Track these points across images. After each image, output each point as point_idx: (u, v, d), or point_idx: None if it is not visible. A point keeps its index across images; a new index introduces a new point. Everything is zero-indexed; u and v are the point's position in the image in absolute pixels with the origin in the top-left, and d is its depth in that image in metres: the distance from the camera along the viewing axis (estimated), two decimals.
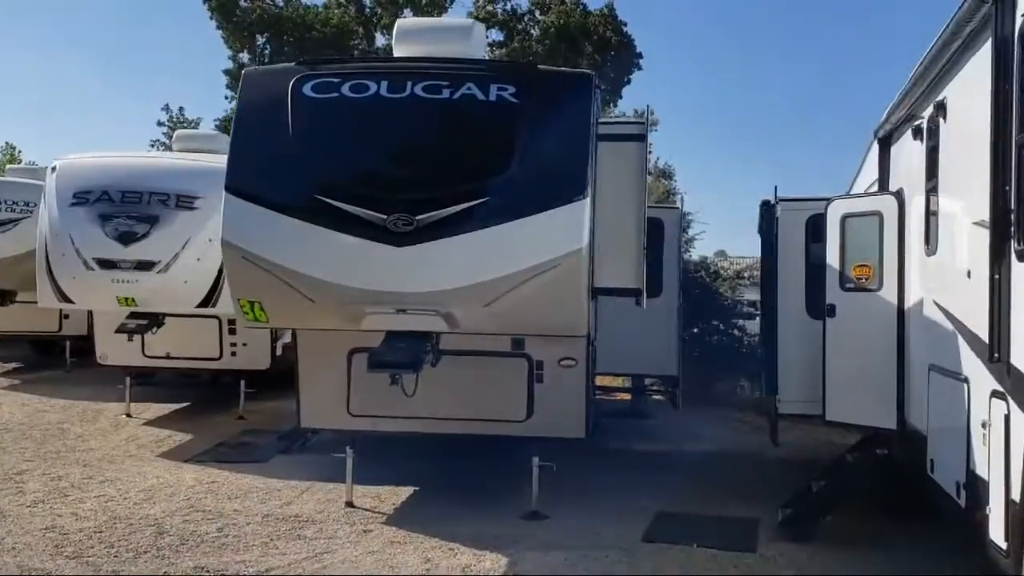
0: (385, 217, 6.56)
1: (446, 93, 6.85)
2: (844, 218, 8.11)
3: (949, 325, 5.91)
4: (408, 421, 8.43)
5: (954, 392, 5.70)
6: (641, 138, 7.77)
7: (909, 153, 7.34)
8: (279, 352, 14.26)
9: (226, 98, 30.47)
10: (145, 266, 11.52)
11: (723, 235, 66.13)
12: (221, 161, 13.30)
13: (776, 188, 9.09)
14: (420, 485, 9.46)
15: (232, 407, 14.39)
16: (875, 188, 9.15)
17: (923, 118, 6.89)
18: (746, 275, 20.71)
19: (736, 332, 17.17)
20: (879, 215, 7.81)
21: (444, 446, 10.35)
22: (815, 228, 8.90)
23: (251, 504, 8.71)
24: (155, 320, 12.33)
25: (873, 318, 7.82)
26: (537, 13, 31.86)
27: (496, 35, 32.17)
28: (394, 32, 7.73)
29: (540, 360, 8.26)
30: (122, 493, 9.01)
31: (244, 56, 29.73)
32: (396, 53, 7.62)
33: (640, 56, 31.28)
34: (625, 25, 30.55)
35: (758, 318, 16.23)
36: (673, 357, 11.92)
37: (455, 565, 7.12)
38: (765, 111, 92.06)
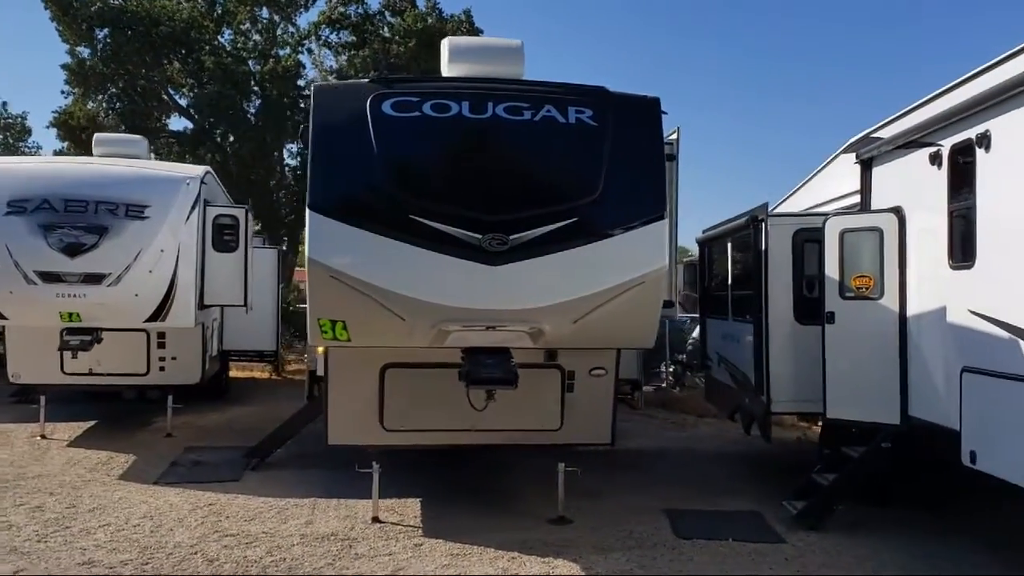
0: (480, 236, 6.68)
1: (527, 115, 7.03)
2: (843, 233, 8.88)
3: (1003, 333, 6.70)
4: (445, 434, 8.51)
5: (1013, 391, 6.49)
6: (672, 158, 8.19)
7: (916, 176, 8.15)
8: (207, 365, 13.85)
9: (63, 93, 28.62)
10: (94, 279, 10.91)
11: None
12: (167, 168, 12.94)
13: (767, 204, 9.78)
14: (424, 496, 9.51)
15: (145, 423, 13.86)
16: (846, 204, 10.05)
17: (941, 146, 7.70)
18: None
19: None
20: (879, 230, 8.62)
21: (436, 455, 10.46)
22: (803, 241, 9.66)
23: (275, 525, 8.52)
24: (96, 336, 11.63)
25: (874, 324, 8.61)
26: (388, 15, 31.81)
27: (347, 37, 31.93)
28: (446, 50, 7.77)
29: (572, 370, 8.56)
30: (127, 521, 8.57)
31: (84, 51, 28.02)
32: (449, 72, 7.67)
33: None
34: (481, 32, 31.01)
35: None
36: (634, 361, 12.47)
37: (532, 572, 7.31)
38: None
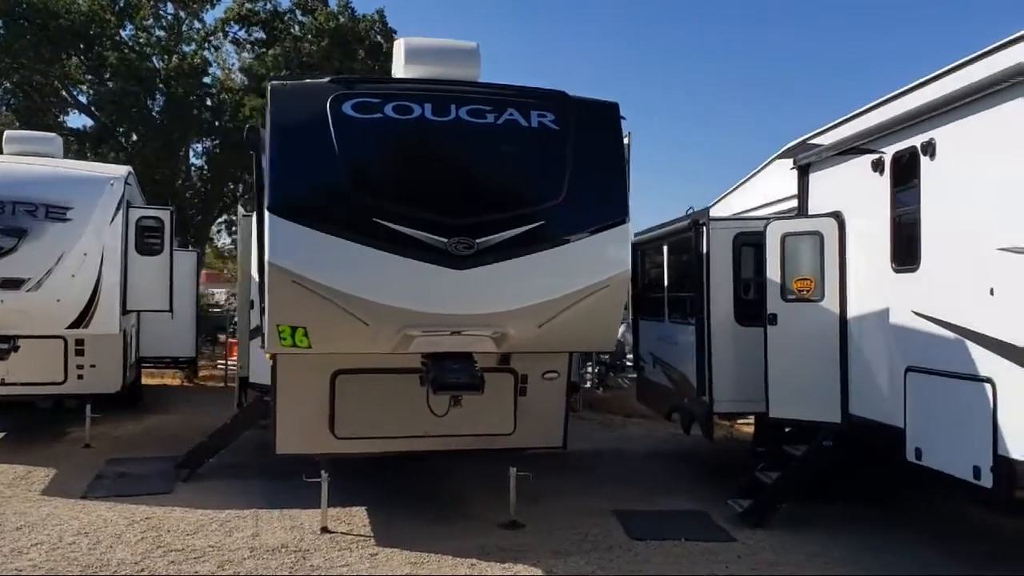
0: (445, 240, 6.62)
1: (490, 118, 6.99)
2: (784, 236, 9.10)
3: (950, 334, 6.96)
4: (398, 441, 8.39)
5: (966, 390, 6.75)
6: (626, 163, 8.25)
7: (857, 182, 8.41)
8: (128, 373, 13.38)
9: None
10: (12, 284, 10.43)
11: None
12: (88, 168, 12.41)
13: (709, 208, 9.95)
14: (369, 505, 9.35)
15: (59, 434, 13.35)
16: (781, 208, 10.31)
17: (884, 153, 7.96)
18: None
19: None
20: (819, 234, 8.86)
21: (379, 463, 10.30)
22: (742, 244, 9.86)
23: (219, 538, 8.25)
24: (14, 344, 11.07)
25: (815, 325, 8.85)
26: (298, 13, 31.29)
27: (258, 34, 31.31)
28: (401, 50, 7.66)
29: (525, 374, 8.53)
30: (60, 539, 8.17)
31: None
32: (404, 73, 7.57)
33: None
34: (395, 32, 30.76)
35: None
36: (575, 364, 12.49)
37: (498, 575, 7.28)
38: None
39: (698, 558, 7.82)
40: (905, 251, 7.68)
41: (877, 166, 8.08)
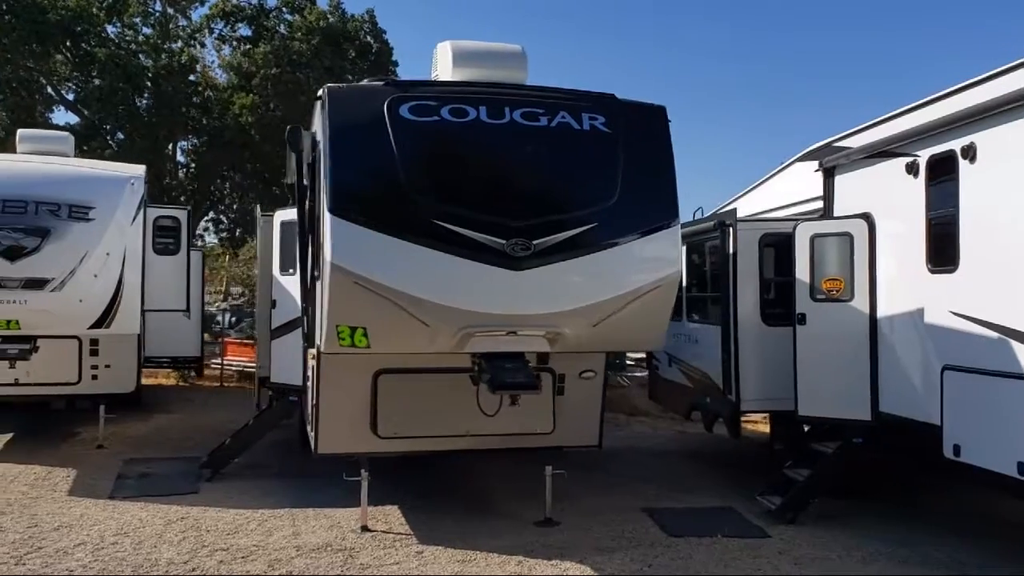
0: (504, 242, 6.70)
1: (543, 121, 7.08)
2: (813, 238, 9.26)
3: (992, 333, 7.15)
4: (439, 440, 8.46)
5: (1009, 388, 6.93)
6: None
7: (888, 184, 8.59)
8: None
9: None
10: (36, 284, 10.36)
11: None
12: (107, 167, 12.33)
13: (736, 210, 10.09)
14: (399, 503, 9.39)
15: (68, 434, 13.29)
16: (802, 209, 10.49)
17: (918, 156, 8.15)
18: None
19: None
20: (849, 235, 9.03)
21: (401, 461, 10.33)
22: (768, 245, 10.02)
23: (261, 538, 8.27)
24: (35, 345, 11.00)
25: (845, 325, 9.02)
26: (285, 11, 31.20)
27: (243, 31, 31.18)
28: (448, 53, 7.71)
29: (562, 373, 8.63)
30: (102, 539, 8.16)
31: None
32: (452, 75, 7.63)
33: (396, 64, 31.71)
34: (385, 33, 30.81)
35: None
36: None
37: (550, 574, 7.35)
38: None
39: (740, 554, 7.95)
40: (942, 252, 7.85)
41: (911, 169, 8.25)
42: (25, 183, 10.57)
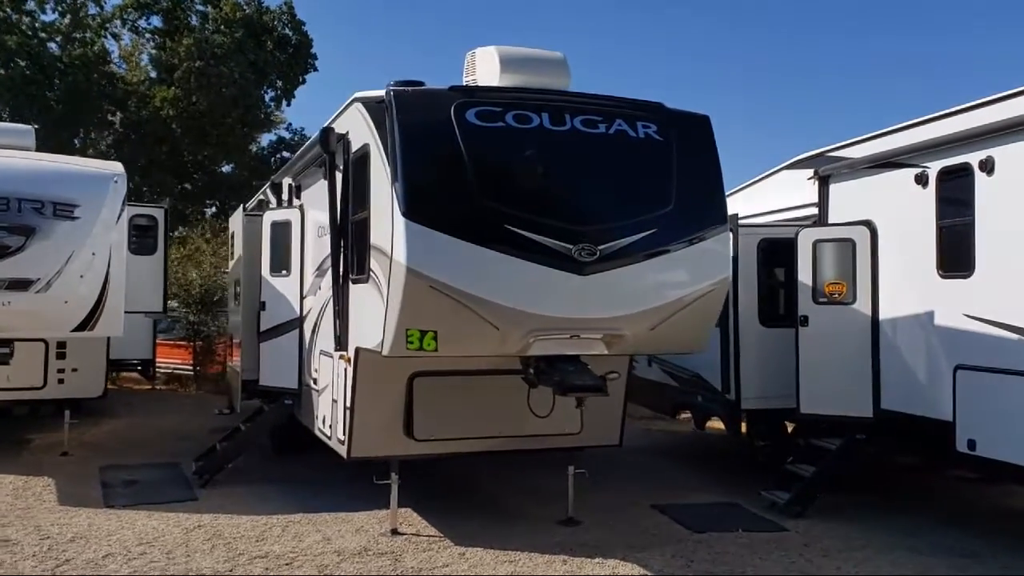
0: (571, 247, 6.83)
1: (602, 128, 7.25)
2: (815, 243, 9.70)
3: (1012, 335, 7.66)
4: (473, 442, 8.50)
5: (1020, 386, 7.47)
6: None
7: (893, 193, 9.07)
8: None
9: None
10: (20, 285, 9.95)
11: None
12: (86, 164, 11.84)
13: (736, 215, 10.44)
14: (414, 505, 9.37)
15: (22, 441, 12.80)
16: (789, 216, 10.96)
17: (927, 168, 8.64)
18: None
19: None
20: (852, 241, 9.50)
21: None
22: (765, 249, 10.43)
23: (293, 544, 8.18)
24: (12, 349, 10.52)
25: (847, 326, 9.48)
26: (198, 3, 30.45)
27: (155, 21, 30.31)
28: (496, 59, 7.75)
29: None
30: (127, 550, 7.93)
31: None
32: (500, 81, 7.68)
33: (315, 57, 31.31)
34: (304, 25, 30.38)
35: None
36: None
37: (599, 573, 7.50)
38: None
39: (769, 547, 8.26)
40: (955, 258, 8.35)
41: (920, 179, 8.73)
42: (6, 178, 10.09)
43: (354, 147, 8.06)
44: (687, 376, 11.51)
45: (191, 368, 20.99)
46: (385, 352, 6.99)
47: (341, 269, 8.31)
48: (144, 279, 11.72)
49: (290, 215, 10.72)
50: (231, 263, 13.17)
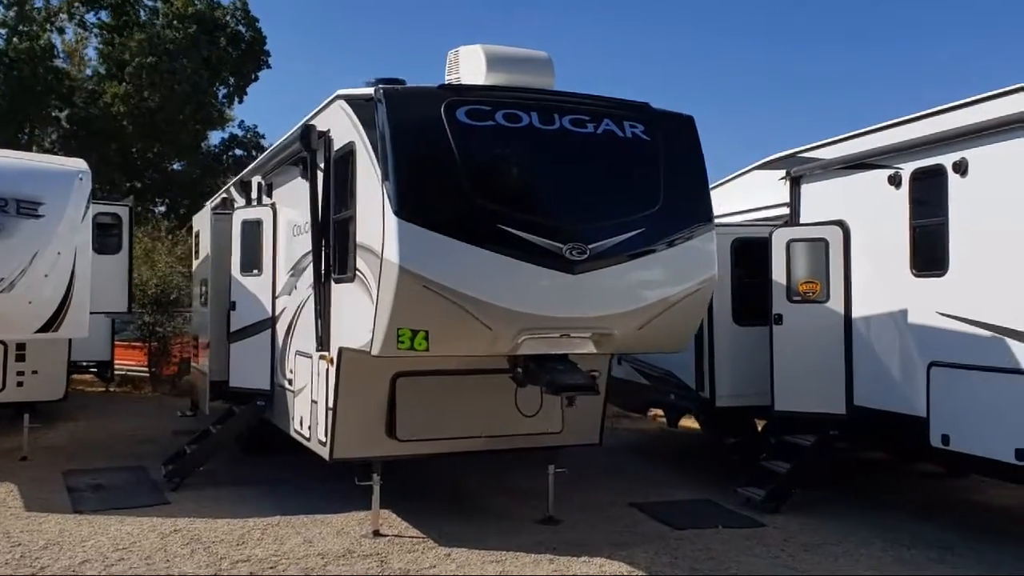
0: (562, 246, 6.84)
1: (590, 128, 7.27)
2: (789, 243, 9.83)
3: (987, 332, 7.85)
4: (455, 442, 8.46)
5: (1006, 381, 7.64)
6: None
7: (866, 193, 9.24)
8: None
9: None
10: None
11: None
12: (48, 160, 11.55)
13: None
14: (391, 507, 9.28)
15: None
16: (758, 216, 11.11)
17: (900, 169, 8.81)
18: None
19: None
20: (825, 241, 9.65)
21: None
22: (739, 249, 10.55)
23: (276, 547, 8.07)
24: None
25: (820, 324, 9.63)
26: None
27: (103, 15, 29.72)
28: (482, 58, 7.72)
29: None
30: (104, 557, 7.75)
31: None
32: (486, 80, 7.65)
33: (269, 55, 30.97)
34: (258, 21, 30.04)
35: None
36: None
37: (587, 572, 7.52)
38: None
39: (751, 543, 8.34)
40: (929, 258, 8.53)
41: (893, 180, 8.90)
42: None
43: (337, 145, 7.98)
44: (658, 374, 11.59)
45: (146, 370, 20.58)
46: (374, 352, 6.93)
47: (323, 268, 8.21)
48: (108, 279, 11.44)
49: (261, 214, 10.58)
50: (196, 262, 12.96)
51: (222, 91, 30.31)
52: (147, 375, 20.52)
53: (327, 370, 8.21)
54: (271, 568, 7.49)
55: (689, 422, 13.86)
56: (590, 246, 6.90)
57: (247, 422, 10.62)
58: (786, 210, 10.59)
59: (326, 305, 8.18)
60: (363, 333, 7.14)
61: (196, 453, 10.46)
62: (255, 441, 11.59)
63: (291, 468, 11.11)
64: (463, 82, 7.91)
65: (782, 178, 10.49)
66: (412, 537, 8.42)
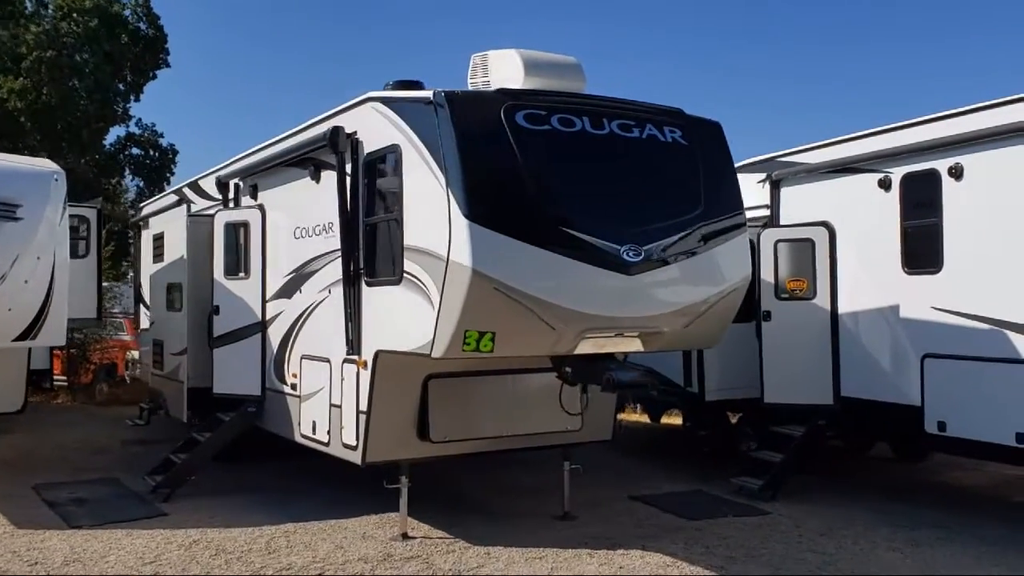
0: (619, 247, 7.02)
1: (636, 132, 7.49)
2: (777, 243, 10.31)
3: (983, 325, 8.45)
4: (483, 442, 8.53)
5: (1003, 370, 8.25)
6: None
7: (853, 196, 9.78)
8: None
9: None
10: None
11: None
12: (20, 160, 10.94)
13: None
14: (396, 509, 9.28)
15: None
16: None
17: (890, 173, 9.37)
18: None
19: None
20: (811, 241, 10.15)
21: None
22: None
23: (311, 554, 7.97)
24: None
25: (808, 320, 10.13)
26: None
27: None
28: (519, 62, 7.78)
29: None
30: (135, 570, 7.51)
31: None
32: (524, 84, 7.73)
33: (168, 53, 30.01)
34: (160, 19, 29.05)
35: None
36: None
37: (628, 565, 7.72)
38: None
39: (766, 531, 8.71)
40: (922, 256, 9.10)
41: (883, 184, 9.45)
42: None
43: (370, 147, 7.94)
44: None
45: (63, 378, 19.63)
46: (437, 354, 6.95)
47: (352, 271, 8.15)
48: (77, 284, 10.93)
49: (248, 215, 10.35)
50: (157, 266, 12.50)
51: (120, 88, 29.13)
52: (64, 383, 19.60)
53: (357, 374, 8.15)
54: (318, 575, 7.40)
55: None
56: (644, 248, 7.11)
57: (240, 429, 10.37)
58: (762, 212, 11.04)
59: (357, 308, 8.12)
60: (418, 336, 7.15)
61: (187, 462, 10.14)
62: (229, 448, 11.29)
63: (278, 474, 10.96)
64: (493, 87, 7.99)
65: (760, 181, 10.94)
66: (440, 538, 8.45)
